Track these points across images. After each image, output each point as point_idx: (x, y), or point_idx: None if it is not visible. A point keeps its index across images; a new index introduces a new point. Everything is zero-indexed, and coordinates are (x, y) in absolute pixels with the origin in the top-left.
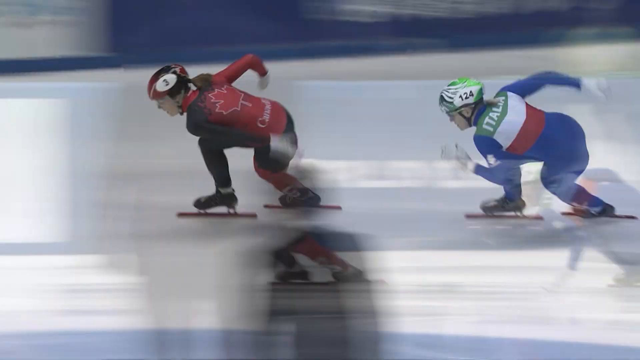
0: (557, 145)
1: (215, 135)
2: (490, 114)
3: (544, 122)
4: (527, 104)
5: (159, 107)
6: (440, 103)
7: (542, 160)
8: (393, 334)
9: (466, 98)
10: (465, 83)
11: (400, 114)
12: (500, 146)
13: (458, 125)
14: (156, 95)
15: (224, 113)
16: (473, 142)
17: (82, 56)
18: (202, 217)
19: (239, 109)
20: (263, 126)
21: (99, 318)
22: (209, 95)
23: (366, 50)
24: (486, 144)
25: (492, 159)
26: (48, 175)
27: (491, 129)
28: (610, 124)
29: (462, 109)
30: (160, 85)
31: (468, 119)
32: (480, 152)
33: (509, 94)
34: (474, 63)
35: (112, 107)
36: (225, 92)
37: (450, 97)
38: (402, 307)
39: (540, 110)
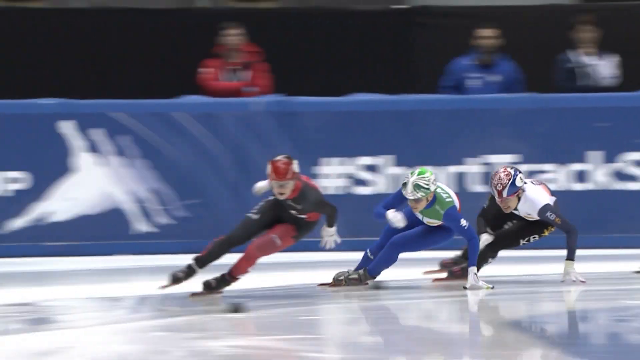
0: None
1: (326, 208)
2: (440, 191)
3: None
4: None
5: (280, 187)
6: (414, 189)
7: None
8: None
9: (434, 182)
10: (428, 172)
11: None
12: None
13: (419, 207)
14: (292, 176)
15: None
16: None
17: None
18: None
19: None
20: None
21: None
22: (306, 180)
23: None
24: (456, 211)
25: (464, 221)
26: None
27: (451, 199)
28: None
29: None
30: (296, 167)
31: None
32: (455, 219)
33: None
34: None
35: None
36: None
37: (426, 184)
38: None
39: None
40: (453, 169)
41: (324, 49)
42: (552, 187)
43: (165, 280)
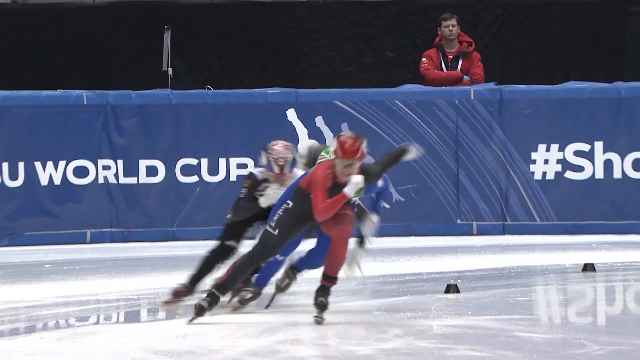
0: None
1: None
2: None
3: None
4: None
5: (346, 167)
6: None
7: None
8: None
9: None
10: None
11: None
12: None
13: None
14: (362, 156)
15: None
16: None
17: None
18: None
19: None
20: None
21: None
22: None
23: None
24: None
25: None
26: None
27: None
28: None
29: None
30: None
31: None
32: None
33: None
34: None
35: None
36: None
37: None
38: None
39: None
40: None
41: (538, 38)
42: None
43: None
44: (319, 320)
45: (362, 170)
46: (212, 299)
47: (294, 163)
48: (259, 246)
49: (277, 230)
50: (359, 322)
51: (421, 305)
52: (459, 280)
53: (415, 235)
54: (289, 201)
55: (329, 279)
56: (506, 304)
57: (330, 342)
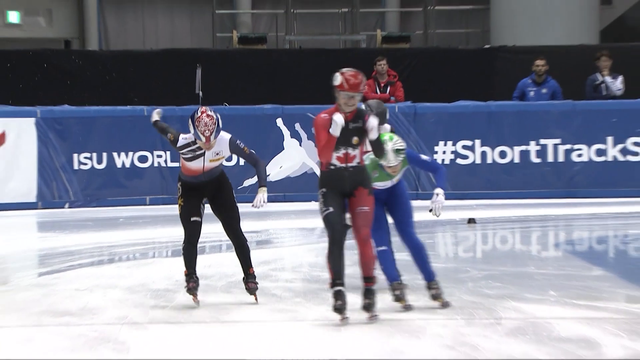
0: None
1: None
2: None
3: None
4: None
5: (350, 98)
6: (397, 155)
7: None
8: None
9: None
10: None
11: None
12: None
13: (397, 170)
14: (363, 89)
15: None
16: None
17: None
18: None
19: None
20: None
21: None
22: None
23: None
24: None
25: (423, 155)
26: None
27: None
28: None
29: None
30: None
31: None
32: (417, 157)
33: None
34: None
35: None
36: None
37: (402, 144)
38: None
39: None
40: None
41: (439, 73)
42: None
43: None
44: (372, 319)
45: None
46: (337, 295)
47: (218, 130)
48: (329, 229)
49: (329, 208)
50: (322, 256)
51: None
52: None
53: None
54: (321, 189)
55: (368, 280)
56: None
57: (304, 270)
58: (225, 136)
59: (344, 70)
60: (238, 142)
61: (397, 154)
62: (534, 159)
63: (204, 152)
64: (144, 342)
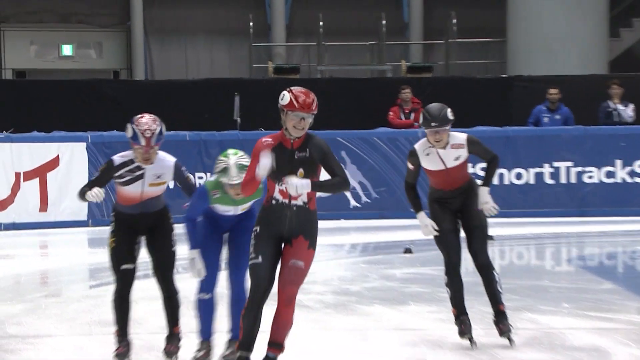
0: None
1: (336, 164)
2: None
3: None
4: None
5: (301, 121)
6: (240, 171)
7: None
8: None
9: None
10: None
11: None
12: None
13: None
14: (315, 109)
15: None
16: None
17: None
18: None
19: None
20: None
21: None
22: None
23: None
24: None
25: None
26: None
27: None
28: None
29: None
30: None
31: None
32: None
33: None
34: None
35: None
36: None
37: (247, 161)
38: None
39: None
40: None
41: (460, 99)
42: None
43: None
44: None
45: (307, 136)
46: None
47: (160, 137)
48: (252, 282)
49: (259, 258)
50: (349, 270)
51: (390, 260)
52: (412, 245)
53: (386, 218)
54: (255, 228)
55: (274, 346)
56: (440, 260)
57: (334, 283)
58: (169, 159)
59: (293, 88)
60: (184, 168)
61: (240, 170)
62: (548, 180)
63: (144, 172)
64: (186, 350)
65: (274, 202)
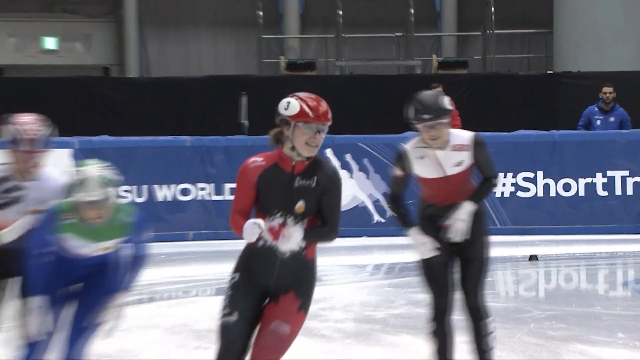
0: None
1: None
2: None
3: None
4: None
5: (317, 133)
6: (102, 184)
7: None
8: None
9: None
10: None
11: None
12: None
13: (103, 214)
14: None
15: None
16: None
17: None
18: None
19: None
20: None
21: None
22: None
23: None
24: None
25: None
26: None
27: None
28: None
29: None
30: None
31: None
32: (142, 231)
33: None
34: None
35: None
36: None
37: (114, 175)
38: None
39: None
40: None
41: (499, 100)
42: None
43: None
44: None
45: (315, 159)
46: None
47: (47, 144)
48: (220, 344)
49: (232, 315)
50: (375, 295)
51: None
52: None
53: None
54: (233, 275)
55: None
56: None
57: (355, 309)
58: (56, 178)
59: (298, 93)
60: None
61: (102, 183)
62: (601, 191)
63: (24, 194)
64: None
65: (260, 243)
